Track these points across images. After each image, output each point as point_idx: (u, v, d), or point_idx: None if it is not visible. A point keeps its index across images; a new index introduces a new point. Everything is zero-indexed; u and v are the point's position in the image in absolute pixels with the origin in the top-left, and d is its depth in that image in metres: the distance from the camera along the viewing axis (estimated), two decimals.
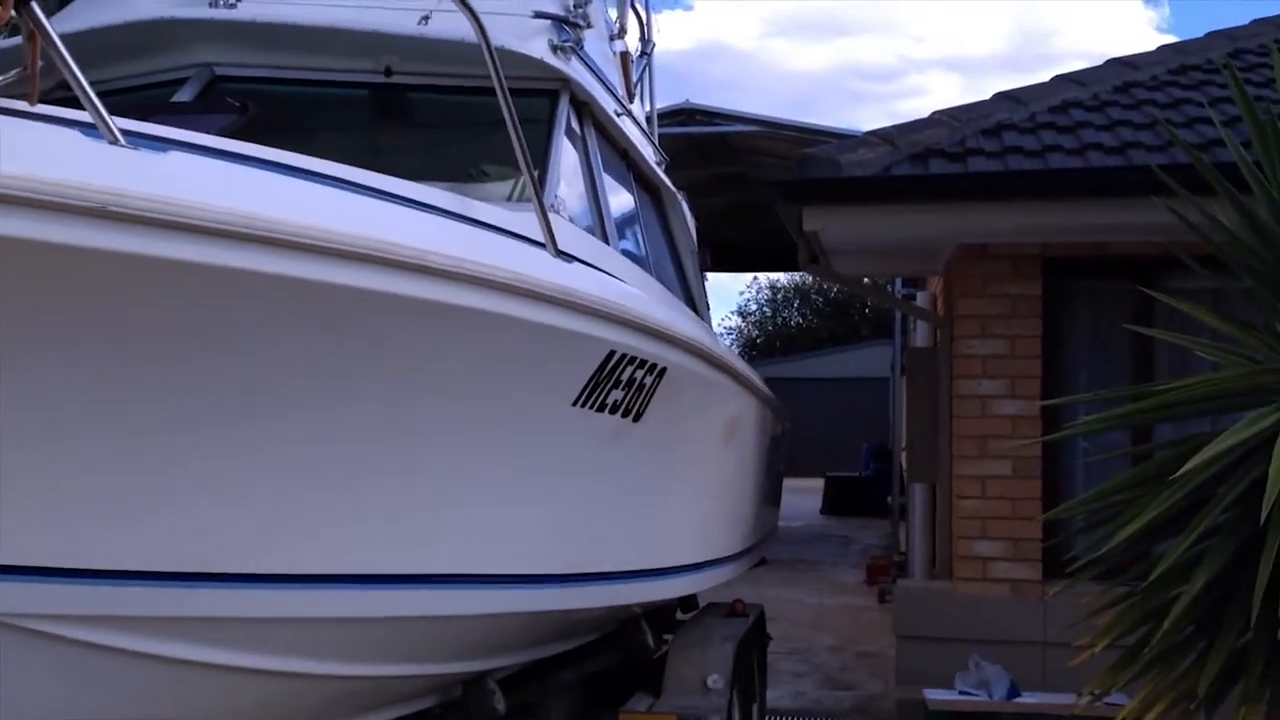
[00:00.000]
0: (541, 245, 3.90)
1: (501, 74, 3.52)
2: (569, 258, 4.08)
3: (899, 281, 13.38)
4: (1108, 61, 7.87)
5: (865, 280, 9.46)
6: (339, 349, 3.13)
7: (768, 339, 45.37)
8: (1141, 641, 3.53)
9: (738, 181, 15.91)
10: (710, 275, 8.80)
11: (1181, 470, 3.14)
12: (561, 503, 4.29)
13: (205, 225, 2.64)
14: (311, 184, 3.14)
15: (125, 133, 2.64)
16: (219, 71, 4.83)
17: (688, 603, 7.07)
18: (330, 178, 3.24)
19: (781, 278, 45.59)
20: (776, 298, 47.10)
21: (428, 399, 3.47)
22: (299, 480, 3.24)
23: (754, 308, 47.79)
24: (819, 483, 23.89)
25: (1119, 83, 7.42)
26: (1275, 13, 8.42)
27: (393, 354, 3.28)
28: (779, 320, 47.15)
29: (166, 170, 2.71)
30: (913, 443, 8.01)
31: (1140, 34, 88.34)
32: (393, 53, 4.88)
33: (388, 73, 4.92)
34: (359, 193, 3.30)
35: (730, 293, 63.41)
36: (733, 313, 48.23)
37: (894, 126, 6.89)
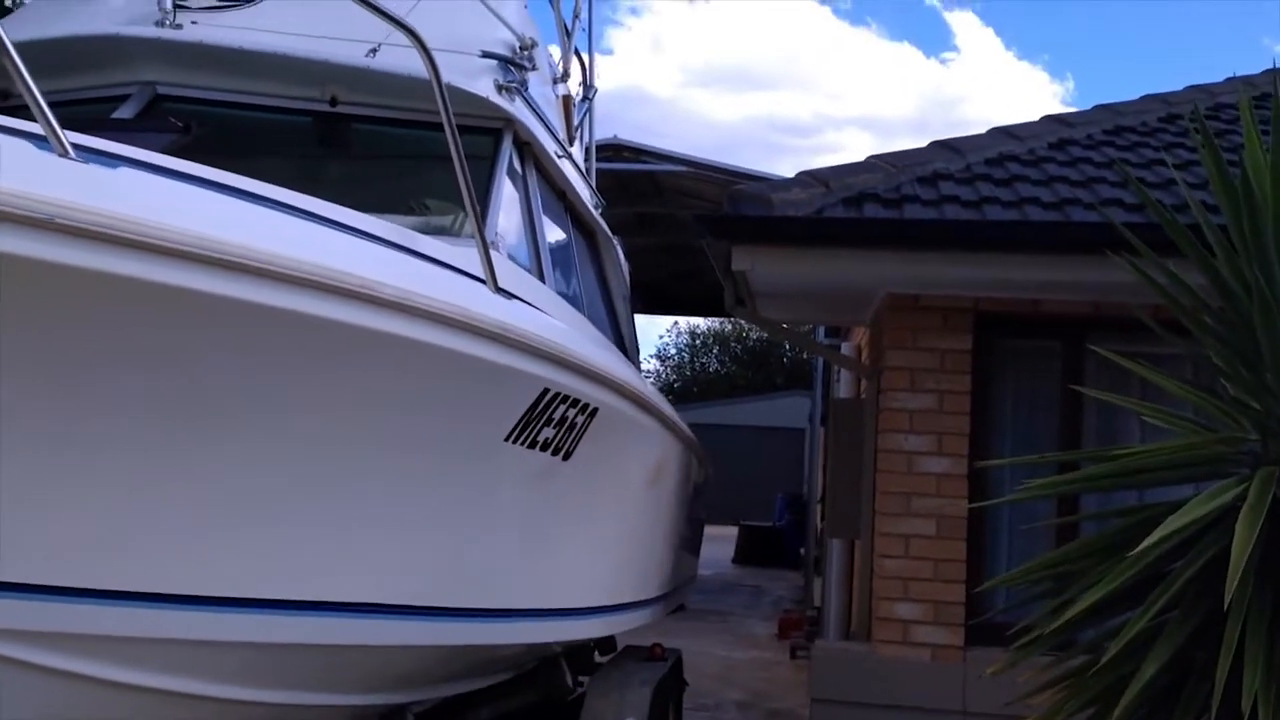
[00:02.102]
0: (481, 281, 3.93)
1: (450, 110, 3.54)
2: (508, 294, 4.11)
3: (821, 331, 13.23)
4: (1044, 118, 7.78)
5: (789, 326, 9.21)
6: (277, 374, 3.13)
7: (685, 383, 45.27)
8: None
9: (664, 222, 15.69)
10: None
11: (1143, 545, 2.89)
12: (486, 537, 4.28)
13: (153, 243, 2.65)
14: (261, 208, 3.13)
15: (75, 146, 2.65)
16: (162, 90, 4.81)
17: (605, 644, 7.11)
18: (279, 203, 3.22)
19: (701, 323, 45.69)
20: (695, 343, 47.15)
21: (362, 428, 3.47)
22: (218, 502, 3.19)
23: (673, 351, 47.77)
24: (732, 530, 23.65)
25: (1054, 139, 7.32)
26: (1174, 89, 8.39)
27: (333, 382, 3.27)
28: (697, 365, 47.14)
29: (116, 186, 2.71)
30: (834, 496, 7.74)
31: (1046, 106, 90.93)
32: (339, 82, 4.91)
33: (333, 102, 4.96)
34: (307, 219, 3.29)
35: (650, 336, 63.37)
36: (651, 356, 48.12)
37: (828, 169, 6.67)
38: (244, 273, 2.83)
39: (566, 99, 6.75)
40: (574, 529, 5.18)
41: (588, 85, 8.59)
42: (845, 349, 10.02)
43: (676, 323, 46.91)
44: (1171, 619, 3.13)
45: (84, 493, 2.94)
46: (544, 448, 4.32)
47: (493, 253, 4.13)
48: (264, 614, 3.41)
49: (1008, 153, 7.02)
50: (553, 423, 4.26)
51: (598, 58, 8.87)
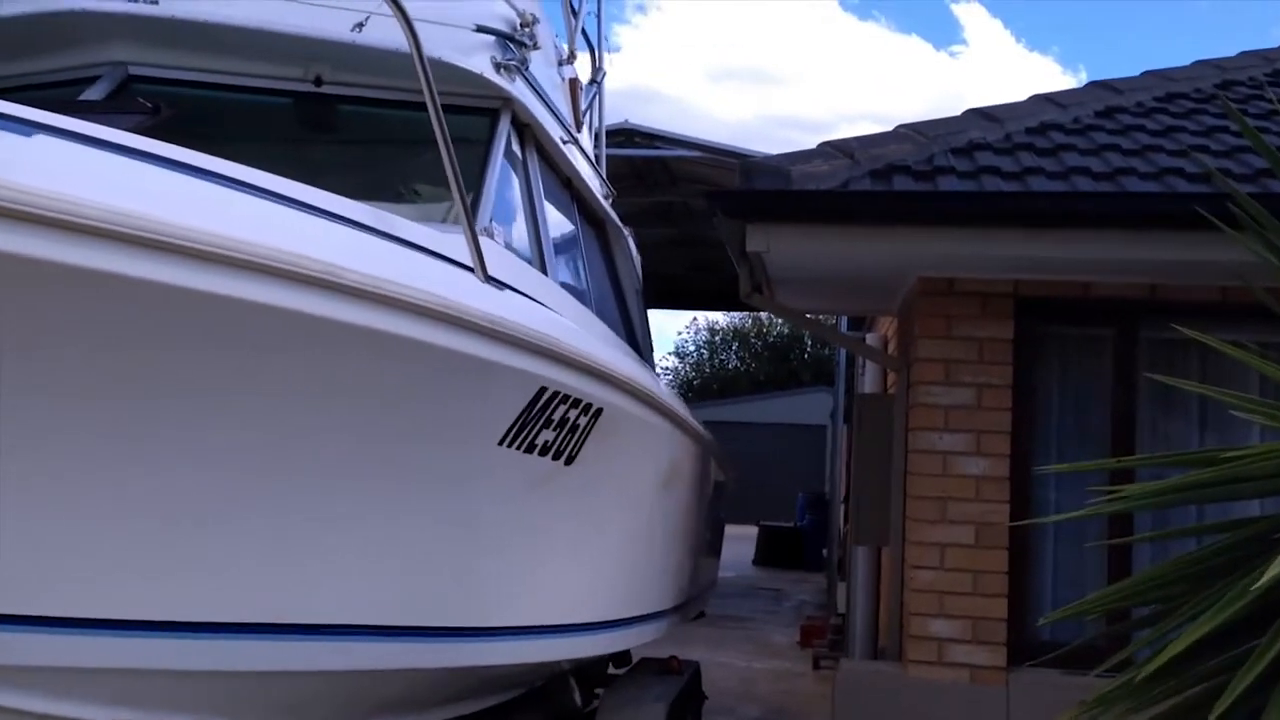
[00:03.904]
0: (470, 269, 3.63)
1: (433, 84, 3.25)
2: (499, 284, 3.80)
3: (844, 322, 12.60)
4: (1089, 84, 7.15)
5: (811, 316, 8.57)
6: (218, 364, 2.80)
7: (704, 381, 44.55)
8: None
9: (678, 212, 15.06)
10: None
11: (1266, 577, 2.26)
12: (480, 549, 4.04)
13: (53, 217, 2.37)
14: (207, 183, 2.81)
15: None
16: (134, 71, 4.54)
17: (620, 657, 6.83)
18: (230, 179, 2.89)
19: (720, 318, 44.99)
20: (715, 339, 46.42)
21: (332, 432, 3.14)
22: (179, 518, 2.92)
23: (692, 348, 47.07)
24: (752, 530, 23.00)
25: (1101, 107, 6.67)
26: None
27: (294, 381, 2.95)
28: (716, 362, 46.41)
29: (26, 155, 2.43)
30: (859, 500, 7.11)
31: None
32: (324, 60, 4.64)
33: (318, 82, 4.68)
34: (264, 197, 2.95)
35: (668, 332, 62.91)
36: (670, 353, 47.43)
37: (853, 138, 6.05)
38: (161, 250, 2.52)
39: (573, 82, 6.42)
40: (579, 538, 4.88)
41: (596, 69, 8.22)
42: (871, 340, 9.37)
43: (695, 319, 46.27)
44: None
45: (38, 510, 2.69)
46: (543, 452, 4.05)
47: (485, 240, 3.81)
48: (241, 639, 3.17)
49: (1051, 121, 6.37)
50: (552, 424, 3.99)
51: (605, 56, 8.44)
